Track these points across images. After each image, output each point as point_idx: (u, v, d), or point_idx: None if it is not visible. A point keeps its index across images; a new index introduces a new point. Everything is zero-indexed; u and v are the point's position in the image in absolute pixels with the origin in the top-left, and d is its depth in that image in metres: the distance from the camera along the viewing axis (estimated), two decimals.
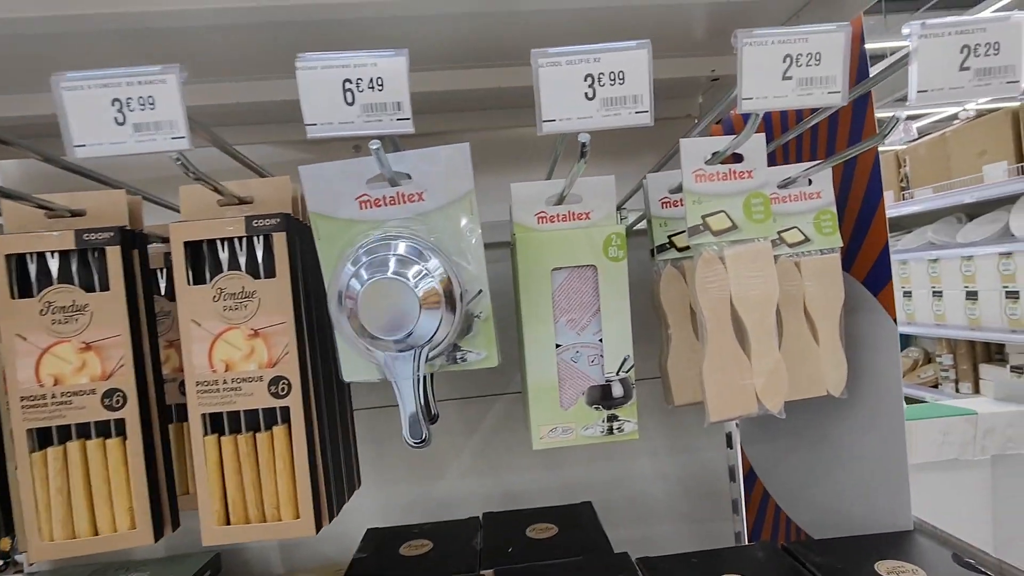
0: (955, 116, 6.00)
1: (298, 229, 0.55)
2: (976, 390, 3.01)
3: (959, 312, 2.93)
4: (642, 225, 0.73)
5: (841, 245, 0.65)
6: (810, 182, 0.66)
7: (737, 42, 0.41)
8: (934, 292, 3.08)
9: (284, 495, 0.54)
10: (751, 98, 0.42)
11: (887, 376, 0.64)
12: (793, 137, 0.67)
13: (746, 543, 1.04)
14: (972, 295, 2.85)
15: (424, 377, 0.57)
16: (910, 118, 5.89)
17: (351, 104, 0.40)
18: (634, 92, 0.40)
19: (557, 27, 0.67)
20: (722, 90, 0.96)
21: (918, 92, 0.41)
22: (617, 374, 0.62)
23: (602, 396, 0.62)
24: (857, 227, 0.68)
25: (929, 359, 3.42)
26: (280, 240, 0.53)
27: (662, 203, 0.67)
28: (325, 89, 0.40)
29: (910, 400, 3.38)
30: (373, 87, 0.40)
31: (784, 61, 0.41)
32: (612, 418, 0.62)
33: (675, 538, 1.06)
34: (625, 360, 0.62)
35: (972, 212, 3.00)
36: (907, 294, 3.28)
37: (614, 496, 1.05)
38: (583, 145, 0.46)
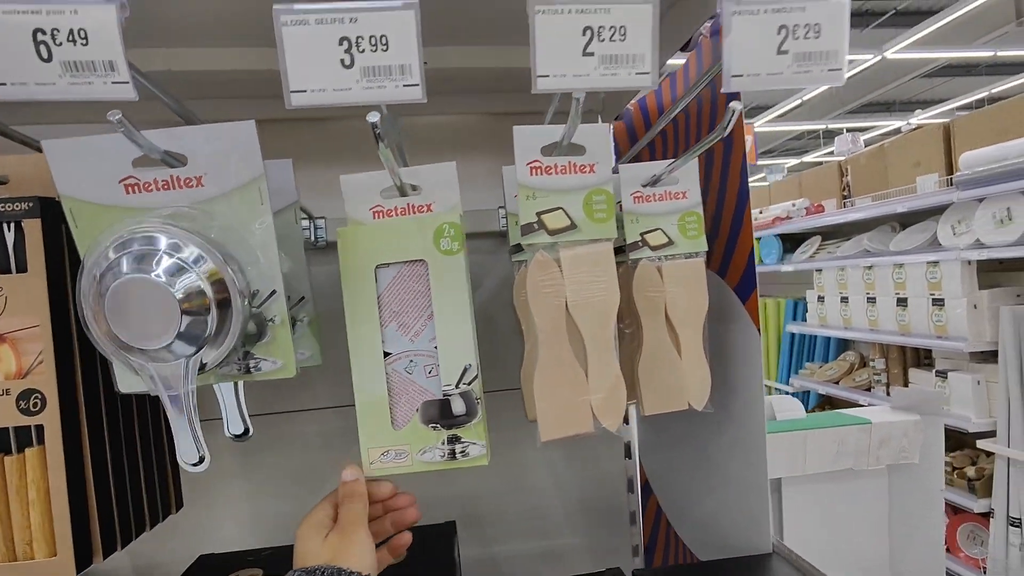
0: (898, 130, 6.25)
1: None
2: None
3: (890, 318, 3.01)
4: None
5: (706, 249, 0.61)
6: (677, 180, 0.61)
7: (529, 8, 0.35)
8: (868, 298, 3.17)
9: (38, 529, 0.46)
10: (547, 75, 0.36)
11: (750, 389, 0.61)
12: (658, 136, 0.63)
13: (641, 558, 1.00)
14: (902, 302, 2.94)
15: (236, 385, 0.50)
16: (855, 131, 6.10)
17: (47, 60, 0.32)
18: (401, 61, 0.34)
19: None
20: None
21: (732, 77, 0.37)
22: (456, 387, 0.55)
23: (440, 413, 0.55)
24: (731, 232, 0.64)
25: (864, 363, 3.51)
26: (34, 228, 0.45)
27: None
28: (10, 39, 0.32)
29: (845, 403, 3.47)
30: (75, 41, 0.32)
31: (584, 34, 0.36)
32: (454, 439, 0.56)
33: (571, 552, 1.01)
34: (466, 370, 0.56)
35: (906, 221, 3.10)
36: (844, 299, 3.36)
37: (509, 507, 1.00)
38: (373, 126, 0.40)
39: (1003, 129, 2.73)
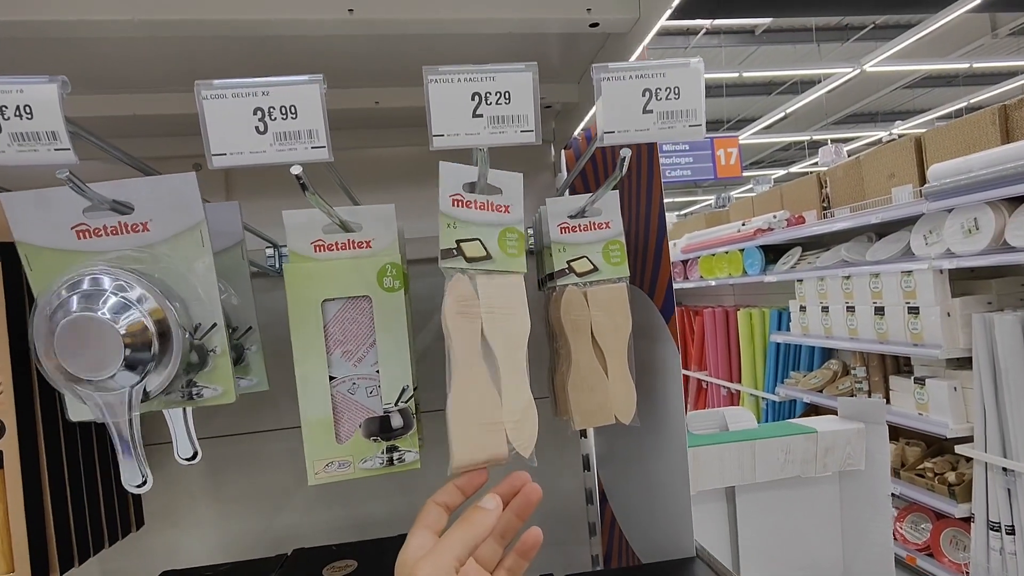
0: (879, 140, 6.35)
1: None
2: (887, 400, 3.15)
3: (869, 326, 3.05)
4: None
5: (628, 275, 0.66)
6: (600, 212, 0.66)
7: (424, 78, 0.40)
8: (847, 307, 3.22)
9: None
10: (442, 135, 0.41)
11: (671, 403, 0.65)
12: (599, 157, 0.68)
13: (600, 567, 1.04)
14: (880, 311, 2.99)
15: (184, 411, 0.55)
16: (839, 142, 6.21)
17: None
18: (309, 127, 0.39)
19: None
20: (568, 119, 0.97)
21: (605, 133, 0.42)
22: (395, 404, 0.60)
23: (380, 428, 0.60)
24: (654, 259, 0.69)
25: (847, 371, 3.55)
26: None
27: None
28: None
29: (830, 411, 3.51)
30: (21, 115, 0.37)
31: (473, 99, 0.41)
32: (392, 449, 0.61)
33: (531, 563, 1.04)
34: (404, 390, 0.61)
35: (882, 231, 3.16)
36: (825, 309, 3.41)
37: None
38: (298, 178, 0.45)
39: (971, 141, 2.80)
